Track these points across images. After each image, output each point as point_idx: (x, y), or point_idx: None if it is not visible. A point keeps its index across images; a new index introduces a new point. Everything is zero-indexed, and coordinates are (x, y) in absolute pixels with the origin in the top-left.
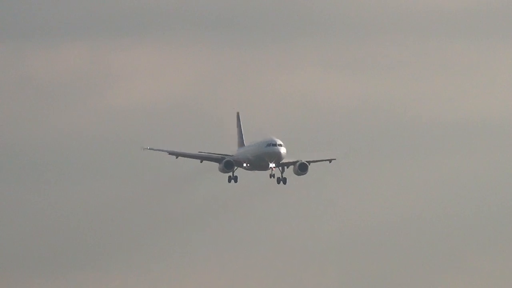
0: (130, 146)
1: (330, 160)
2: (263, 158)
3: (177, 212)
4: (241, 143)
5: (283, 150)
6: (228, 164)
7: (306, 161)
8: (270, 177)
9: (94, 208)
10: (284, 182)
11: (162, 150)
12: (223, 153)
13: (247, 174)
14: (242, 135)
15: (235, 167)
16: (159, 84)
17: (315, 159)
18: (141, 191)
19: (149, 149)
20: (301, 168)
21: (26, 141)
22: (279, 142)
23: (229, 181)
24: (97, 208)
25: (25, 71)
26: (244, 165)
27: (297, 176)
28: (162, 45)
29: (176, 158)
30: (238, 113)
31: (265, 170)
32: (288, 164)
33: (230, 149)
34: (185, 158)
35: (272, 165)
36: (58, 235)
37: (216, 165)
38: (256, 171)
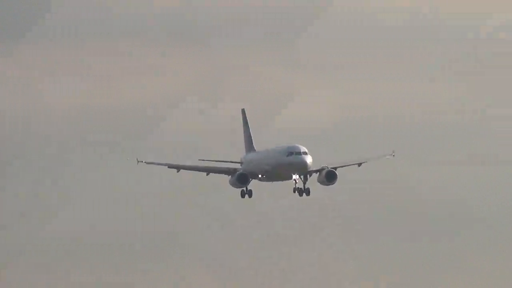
0: (119, 158)
1: (359, 164)
2: (284, 169)
3: (182, 237)
4: (249, 147)
5: (309, 159)
6: (242, 178)
7: (333, 168)
8: (294, 192)
9: (83, 235)
10: (308, 194)
11: (160, 164)
12: (228, 160)
13: (262, 186)
14: (251, 137)
15: (250, 180)
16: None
17: (341, 164)
18: (137, 216)
19: (145, 162)
20: (329, 177)
21: None
22: (303, 149)
23: (243, 196)
24: (85, 234)
25: None
26: (259, 176)
27: (322, 186)
28: (138, 43)
29: (178, 171)
30: (243, 110)
31: (283, 180)
32: (311, 172)
33: (236, 154)
34: (188, 171)
35: (295, 176)
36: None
37: (225, 177)
38: (273, 182)
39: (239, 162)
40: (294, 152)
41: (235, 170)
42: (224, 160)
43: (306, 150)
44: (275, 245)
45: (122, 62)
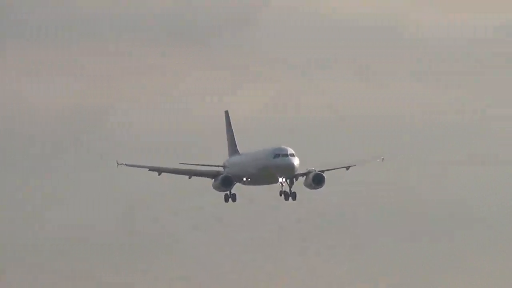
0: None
1: (348, 168)
2: (270, 172)
3: (163, 242)
4: (233, 150)
5: (296, 161)
6: (226, 181)
7: (321, 171)
8: (280, 195)
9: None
10: (294, 198)
11: (141, 166)
12: (211, 164)
13: (246, 190)
14: (235, 140)
15: (234, 183)
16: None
17: (328, 168)
18: (117, 221)
19: (125, 165)
20: (316, 181)
21: None
22: (290, 151)
23: (226, 200)
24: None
25: None
26: (244, 179)
27: (309, 190)
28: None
29: (159, 175)
30: (226, 112)
31: (268, 184)
32: (297, 176)
33: (219, 158)
34: (169, 174)
35: (281, 180)
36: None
37: (208, 181)
38: (258, 186)
39: (222, 166)
40: (281, 154)
41: (218, 173)
42: (206, 164)
43: (293, 152)
44: (260, 252)
45: (103, 62)
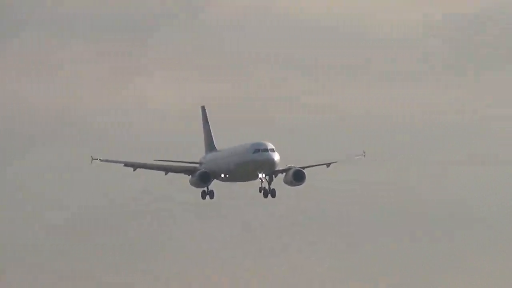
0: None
1: (328, 164)
2: (249, 167)
3: (140, 242)
4: (210, 146)
5: (276, 156)
6: (204, 177)
7: (301, 168)
8: (260, 191)
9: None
10: (273, 195)
11: (116, 161)
12: (186, 161)
13: (224, 187)
14: (212, 136)
15: (212, 179)
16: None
17: (309, 164)
18: (91, 216)
19: (100, 160)
20: (296, 177)
21: None
22: (270, 146)
23: (203, 197)
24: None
25: None
26: (222, 175)
27: (289, 187)
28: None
29: (134, 170)
30: (203, 108)
31: (247, 181)
32: (276, 172)
33: (194, 155)
34: (145, 170)
35: (261, 175)
36: None
37: (185, 177)
38: (236, 183)
39: (198, 163)
40: (260, 149)
41: (195, 169)
42: (182, 160)
43: (273, 147)
44: (238, 251)
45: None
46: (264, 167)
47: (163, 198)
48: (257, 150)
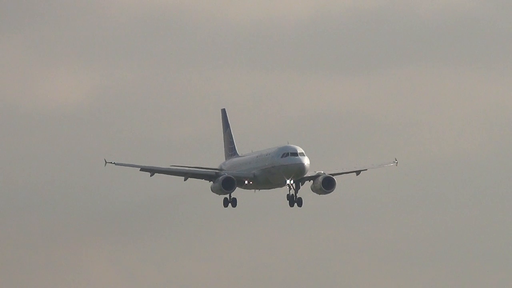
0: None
1: (358, 172)
2: (277, 173)
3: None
4: (230, 151)
5: (306, 161)
6: (228, 183)
7: (331, 174)
8: (288, 199)
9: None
10: (299, 204)
11: (132, 165)
12: (205, 167)
13: (248, 194)
14: (233, 140)
15: (236, 186)
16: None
17: (339, 171)
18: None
19: (114, 163)
20: (326, 185)
21: None
22: (300, 150)
23: (225, 205)
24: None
25: None
26: (246, 182)
27: (317, 195)
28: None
29: (151, 175)
30: (224, 110)
31: (273, 188)
32: (304, 179)
33: (212, 161)
34: (163, 175)
35: (289, 182)
36: None
37: (206, 183)
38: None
39: (217, 170)
40: (289, 153)
41: (217, 174)
42: (200, 166)
43: (303, 151)
44: (261, 263)
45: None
46: (294, 172)
47: (182, 205)
48: (285, 154)
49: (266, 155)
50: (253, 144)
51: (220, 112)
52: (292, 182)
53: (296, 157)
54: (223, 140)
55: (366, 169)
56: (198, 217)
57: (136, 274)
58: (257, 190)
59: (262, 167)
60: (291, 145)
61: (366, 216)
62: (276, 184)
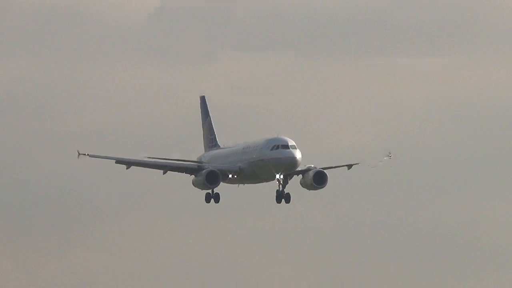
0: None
1: (349, 166)
2: (266, 167)
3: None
4: (211, 143)
5: (298, 155)
6: (212, 177)
7: (323, 169)
8: (277, 195)
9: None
10: (287, 200)
11: (107, 157)
12: (182, 159)
13: (231, 189)
14: (214, 130)
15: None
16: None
17: (329, 165)
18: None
19: (88, 155)
20: (317, 180)
21: None
22: (291, 142)
23: (208, 200)
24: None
25: None
26: (230, 176)
27: (307, 190)
28: None
29: (127, 168)
30: (203, 98)
31: (259, 182)
32: (292, 174)
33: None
34: (139, 168)
35: (278, 176)
36: None
37: (187, 177)
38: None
39: (196, 162)
40: (280, 145)
41: (200, 167)
42: (178, 159)
43: (295, 144)
44: (245, 262)
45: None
46: (285, 166)
47: (161, 200)
48: (276, 147)
49: (254, 147)
50: (236, 135)
51: (199, 100)
52: (281, 176)
53: (288, 150)
54: (202, 130)
55: (358, 163)
56: (178, 214)
57: (106, 273)
58: (241, 185)
59: (249, 160)
60: (282, 137)
61: (359, 214)
62: (263, 179)
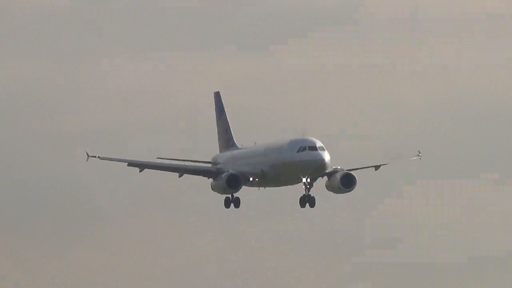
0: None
1: (376, 167)
2: (291, 170)
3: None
4: (226, 142)
5: (327, 157)
6: (233, 181)
7: (349, 170)
8: (301, 200)
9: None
10: (312, 204)
11: (118, 160)
12: (195, 160)
13: (250, 193)
14: (230, 129)
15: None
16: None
17: (356, 167)
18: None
19: (98, 157)
20: (346, 183)
21: None
22: (319, 143)
23: (227, 205)
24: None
25: None
26: (251, 180)
27: (334, 194)
28: None
29: (140, 171)
30: (217, 94)
31: (282, 186)
32: (316, 177)
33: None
34: (153, 171)
35: (305, 180)
36: None
37: (205, 180)
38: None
39: (210, 162)
40: (307, 147)
41: (219, 170)
42: (190, 159)
43: (322, 145)
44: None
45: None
46: (313, 169)
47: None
48: (302, 148)
49: (277, 148)
50: (253, 134)
51: (213, 96)
52: (308, 180)
53: (315, 151)
54: (216, 129)
55: (386, 164)
56: (195, 219)
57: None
58: (261, 188)
59: (272, 163)
60: (308, 138)
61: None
62: (288, 182)
